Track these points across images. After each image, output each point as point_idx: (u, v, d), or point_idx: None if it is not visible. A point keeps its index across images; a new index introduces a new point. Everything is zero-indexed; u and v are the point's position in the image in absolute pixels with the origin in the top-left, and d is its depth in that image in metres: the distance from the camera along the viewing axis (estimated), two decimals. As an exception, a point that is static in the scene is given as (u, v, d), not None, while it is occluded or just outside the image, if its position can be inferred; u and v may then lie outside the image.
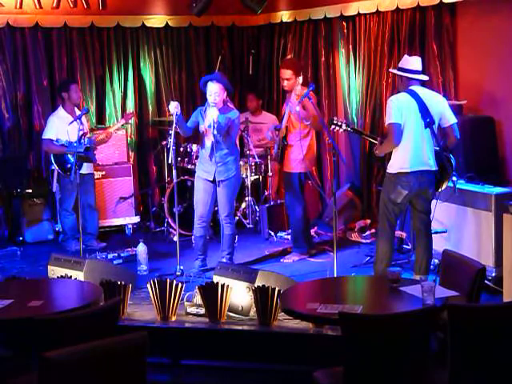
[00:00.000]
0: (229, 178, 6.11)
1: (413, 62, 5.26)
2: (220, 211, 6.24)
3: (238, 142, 6.47)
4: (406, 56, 5.45)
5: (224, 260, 6.16)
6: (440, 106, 5.26)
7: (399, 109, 5.13)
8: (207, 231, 6.34)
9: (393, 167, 5.26)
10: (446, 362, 3.26)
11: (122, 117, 7.80)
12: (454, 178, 5.39)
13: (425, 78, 5.36)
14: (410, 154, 5.16)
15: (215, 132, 5.89)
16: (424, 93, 5.24)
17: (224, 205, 6.16)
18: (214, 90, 5.94)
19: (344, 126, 5.43)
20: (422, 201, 5.30)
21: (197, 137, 6.35)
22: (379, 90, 7.39)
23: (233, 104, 6.29)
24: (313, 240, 6.97)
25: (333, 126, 5.47)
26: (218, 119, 5.89)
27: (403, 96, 5.20)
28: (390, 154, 5.30)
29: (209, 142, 6.03)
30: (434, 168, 5.24)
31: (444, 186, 5.36)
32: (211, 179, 6.11)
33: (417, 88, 5.22)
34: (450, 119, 5.25)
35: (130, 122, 7.87)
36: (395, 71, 5.34)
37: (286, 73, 6.32)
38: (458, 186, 5.51)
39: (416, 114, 5.15)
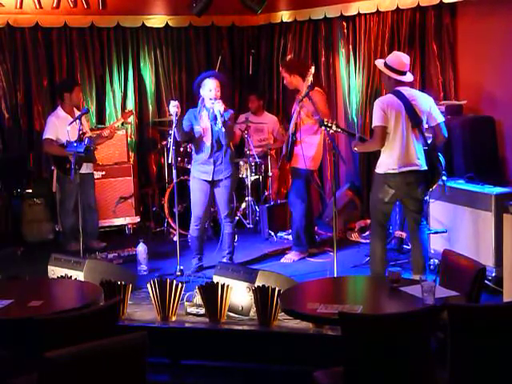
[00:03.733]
0: (227, 177, 6.12)
1: (402, 63, 5.28)
2: (221, 211, 6.25)
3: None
4: (396, 54, 5.44)
5: (224, 260, 6.18)
6: (426, 105, 5.31)
7: (384, 111, 5.19)
8: (204, 232, 6.34)
9: (381, 167, 5.33)
10: (445, 362, 3.26)
11: (121, 116, 7.80)
12: (444, 178, 5.45)
13: (411, 78, 5.40)
14: (398, 154, 5.23)
15: (220, 125, 5.86)
16: (410, 93, 5.29)
17: (224, 204, 6.18)
18: (214, 86, 5.95)
19: (334, 127, 5.52)
20: (412, 200, 5.34)
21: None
22: (379, 90, 7.39)
23: (227, 104, 6.26)
24: (315, 239, 6.97)
25: (323, 127, 5.57)
26: (224, 114, 5.90)
27: (389, 98, 5.27)
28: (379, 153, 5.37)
29: (208, 142, 6.02)
30: (423, 168, 5.29)
31: (435, 186, 5.42)
32: (209, 179, 6.10)
33: (403, 88, 5.27)
34: (438, 118, 5.31)
35: (129, 120, 7.87)
36: (384, 69, 5.32)
37: (281, 71, 6.56)
38: (456, 185, 5.59)
39: (403, 115, 5.20)
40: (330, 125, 5.51)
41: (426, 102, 5.31)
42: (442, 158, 5.43)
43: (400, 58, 5.30)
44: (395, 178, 5.24)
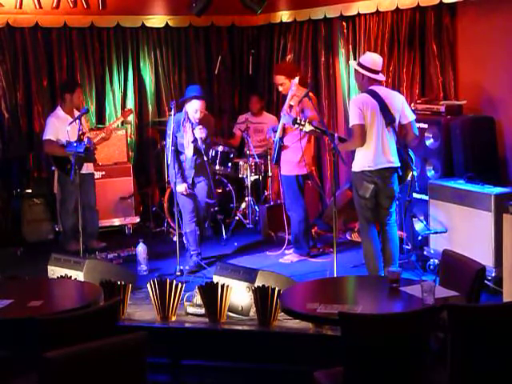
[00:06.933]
0: (206, 181, 6.31)
1: (376, 62, 5.47)
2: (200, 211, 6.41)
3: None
4: (369, 54, 5.65)
5: (194, 258, 6.30)
6: (399, 104, 5.49)
7: (361, 110, 5.34)
8: (197, 226, 6.38)
9: (357, 166, 5.49)
10: (446, 362, 3.26)
11: (121, 114, 7.80)
12: (415, 173, 5.78)
13: (383, 78, 5.58)
14: (373, 152, 5.39)
15: (201, 148, 6.14)
16: (384, 92, 5.47)
17: (203, 206, 6.37)
18: (200, 108, 6.11)
19: (307, 126, 5.60)
20: (385, 197, 5.51)
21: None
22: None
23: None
24: (311, 240, 6.94)
25: (296, 126, 5.65)
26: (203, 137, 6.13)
27: (364, 97, 5.42)
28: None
29: (190, 153, 6.19)
30: (397, 164, 5.48)
31: (405, 180, 5.67)
32: (190, 182, 6.29)
33: (376, 88, 5.43)
34: (409, 116, 5.51)
35: (128, 118, 7.88)
36: (358, 68, 5.47)
37: (280, 78, 6.43)
38: (456, 185, 5.64)
39: (377, 114, 5.36)
40: (303, 123, 5.60)
41: (398, 101, 5.50)
42: (413, 155, 5.72)
43: (374, 58, 5.51)
44: (372, 174, 5.42)
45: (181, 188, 6.18)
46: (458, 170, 5.93)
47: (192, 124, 6.16)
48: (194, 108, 6.10)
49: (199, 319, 4.99)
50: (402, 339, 3.20)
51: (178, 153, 6.22)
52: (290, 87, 6.29)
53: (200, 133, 6.08)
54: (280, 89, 6.48)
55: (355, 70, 5.53)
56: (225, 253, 6.92)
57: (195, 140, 6.14)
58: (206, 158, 6.30)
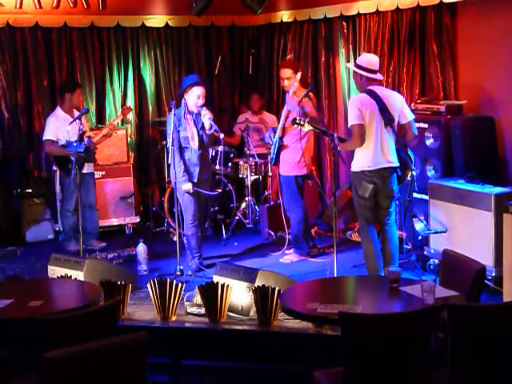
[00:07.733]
0: (208, 178, 6.33)
1: (372, 62, 5.49)
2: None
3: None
4: (366, 54, 5.70)
5: (196, 260, 6.27)
6: (398, 103, 5.51)
7: (360, 110, 5.35)
8: (200, 229, 6.38)
9: (356, 166, 5.50)
10: (446, 362, 3.26)
11: (121, 112, 7.81)
12: (414, 173, 5.77)
13: (381, 77, 5.61)
14: (373, 152, 5.41)
15: (212, 130, 6.10)
16: (383, 92, 5.49)
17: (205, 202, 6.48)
18: (202, 93, 6.08)
19: (307, 125, 5.60)
20: (385, 197, 5.52)
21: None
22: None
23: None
24: (311, 240, 6.94)
25: (295, 125, 5.65)
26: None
27: (363, 97, 5.44)
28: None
29: (196, 144, 6.12)
30: (396, 164, 5.50)
31: (405, 180, 5.70)
32: (195, 181, 6.18)
33: (375, 88, 5.45)
34: (408, 116, 5.53)
35: (128, 117, 7.87)
36: (356, 69, 5.50)
37: (286, 72, 6.42)
38: (456, 185, 5.65)
39: (376, 114, 5.37)
40: (302, 123, 5.58)
41: (397, 101, 5.52)
42: (412, 155, 5.71)
43: (370, 58, 5.54)
44: (371, 174, 5.42)
45: (187, 186, 6.10)
46: (457, 169, 5.94)
47: (193, 114, 6.09)
48: (196, 94, 6.03)
49: (199, 319, 4.99)
50: (402, 339, 3.20)
51: (181, 150, 6.16)
52: (292, 83, 6.29)
53: (207, 113, 6.02)
54: (286, 83, 6.42)
55: (353, 71, 5.54)
56: (225, 253, 6.93)
57: (202, 128, 6.08)
58: (208, 148, 6.27)
